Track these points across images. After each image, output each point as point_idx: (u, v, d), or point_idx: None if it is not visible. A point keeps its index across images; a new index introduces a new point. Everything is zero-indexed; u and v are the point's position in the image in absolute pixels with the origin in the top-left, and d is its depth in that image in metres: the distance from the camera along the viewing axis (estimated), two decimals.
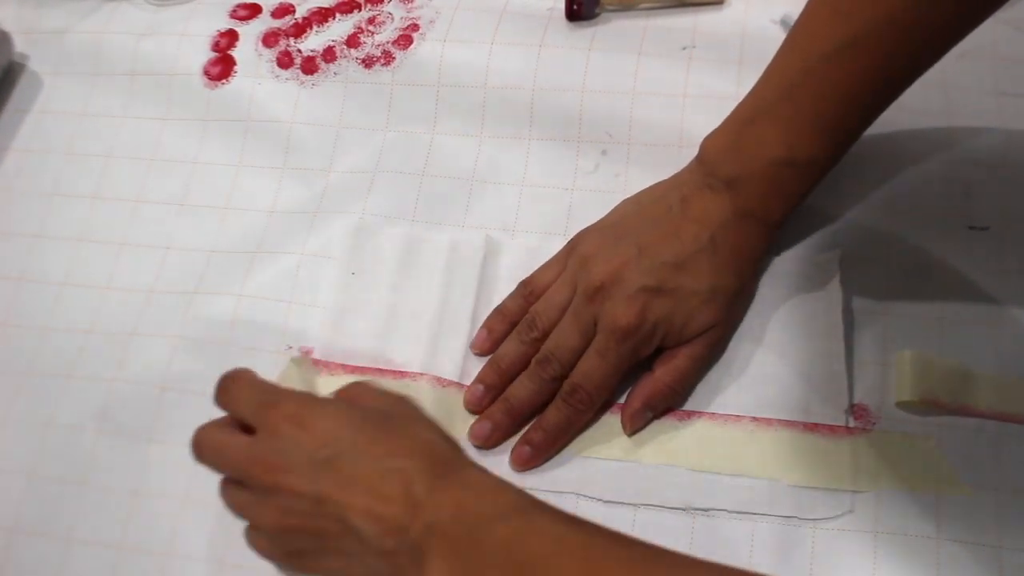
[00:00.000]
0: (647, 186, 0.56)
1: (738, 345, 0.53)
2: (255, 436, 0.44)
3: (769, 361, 0.52)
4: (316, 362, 0.56)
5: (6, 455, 0.56)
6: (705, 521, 0.49)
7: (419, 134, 0.63)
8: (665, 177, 0.55)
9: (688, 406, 0.52)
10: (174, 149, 0.65)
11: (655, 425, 0.52)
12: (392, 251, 0.59)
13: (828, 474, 0.49)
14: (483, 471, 0.43)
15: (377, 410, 0.45)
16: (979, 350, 0.51)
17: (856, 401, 0.51)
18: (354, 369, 0.55)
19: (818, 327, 0.53)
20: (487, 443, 0.52)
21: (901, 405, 0.50)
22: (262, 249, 0.60)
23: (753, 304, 0.54)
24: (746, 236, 0.52)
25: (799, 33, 0.51)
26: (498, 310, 0.56)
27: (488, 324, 0.55)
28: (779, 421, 0.51)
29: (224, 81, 0.66)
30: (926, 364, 0.50)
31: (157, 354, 0.57)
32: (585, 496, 0.50)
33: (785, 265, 0.55)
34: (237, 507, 0.45)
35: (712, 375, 0.53)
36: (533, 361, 0.52)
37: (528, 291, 0.55)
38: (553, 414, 0.51)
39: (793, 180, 0.51)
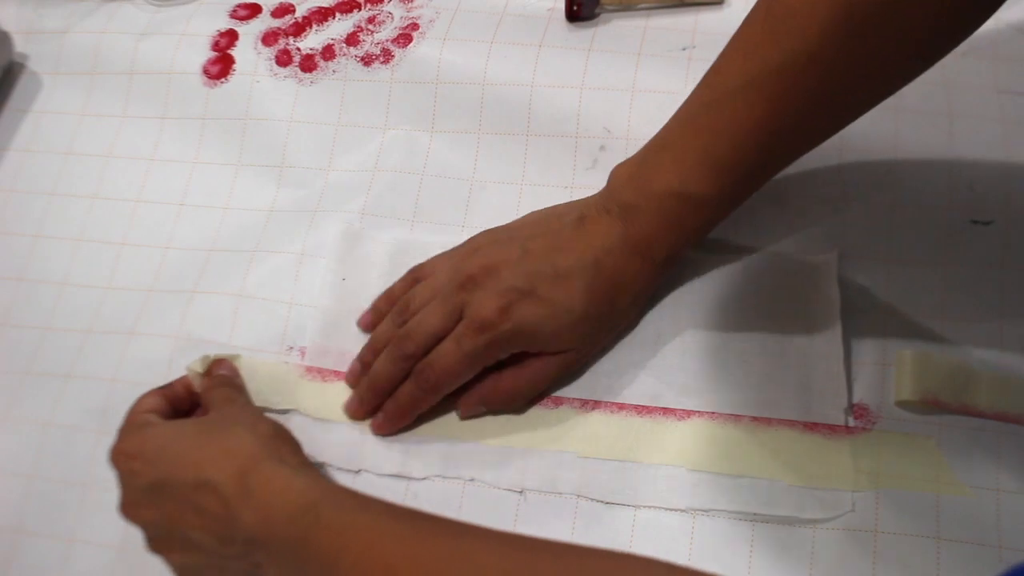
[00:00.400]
0: None
1: (737, 345, 0.53)
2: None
3: (768, 361, 0.52)
4: (309, 369, 0.56)
5: (7, 455, 0.56)
6: (705, 521, 0.49)
7: (418, 132, 0.63)
8: None
9: (688, 406, 0.52)
10: (173, 148, 0.65)
11: (655, 425, 0.52)
12: (383, 255, 0.59)
13: (828, 474, 0.49)
14: (280, 467, 0.45)
15: (202, 420, 0.50)
16: (981, 347, 0.51)
17: (856, 401, 0.51)
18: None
19: (817, 327, 0.53)
20: (355, 416, 0.54)
21: (901, 404, 0.50)
22: (261, 248, 0.60)
23: (752, 304, 0.54)
24: (629, 267, 0.51)
25: (712, 68, 0.51)
26: (386, 291, 0.57)
27: (375, 304, 0.57)
28: (779, 421, 0.51)
29: (223, 80, 0.66)
30: (926, 364, 0.50)
31: (157, 354, 0.57)
32: (585, 496, 0.50)
33: (784, 265, 0.55)
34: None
35: (712, 375, 0.53)
36: (393, 338, 0.53)
37: (414, 276, 0.56)
38: (402, 390, 0.52)
39: (683, 214, 0.51)
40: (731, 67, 0.50)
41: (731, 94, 0.49)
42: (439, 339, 0.52)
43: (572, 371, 0.53)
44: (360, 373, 0.55)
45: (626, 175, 0.53)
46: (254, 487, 0.44)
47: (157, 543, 0.48)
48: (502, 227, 0.55)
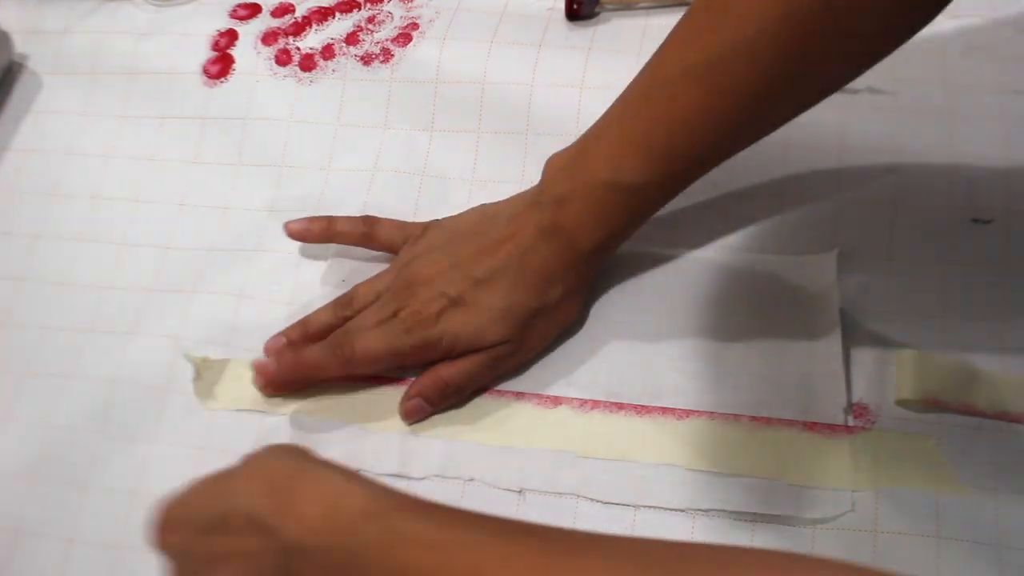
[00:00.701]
0: None
1: (736, 345, 0.53)
2: None
3: (768, 361, 0.52)
4: None
5: (7, 455, 0.56)
6: (705, 521, 0.49)
7: (418, 132, 0.63)
8: None
9: (688, 405, 0.52)
10: (173, 148, 0.65)
11: (655, 425, 0.52)
12: (383, 256, 0.58)
13: (828, 474, 0.49)
14: (319, 476, 0.42)
15: (214, 472, 0.46)
16: (981, 347, 0.51)
17: (856, 400, 0.51)
18: (351, 379, 0.55)
19: (816, 326, 0.53)
20: (265, 388, 0.54)
21: (901, 403, 0.50)
22: (261, 248, 0.60)
23: (751, 303, 0.54)
24: (559, 259, 0.51)
25: (654, 55, 0.50)
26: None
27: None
28: (778, 420, 0.51)
29: (222, 79, 0.66)
30: (927, 364, 0.50)
31: (157, 354, 0.57)
32: (585, 497, 0.50)
33: (783, 264, 0.55)
34: None
35: (711, 375, 0.53)
36: (332, 334, 0.54)
37: (369, 230, 0.57)
38: (311, 349, 0.53)
39: (615, 204, 0.51)
40: (670, 56, 0.49)
41: (668, 82, 0.49)
42: None
43: (512, 363, 0.53)
44: (282, 349, 0.55)
45: (560, 164, 0.53)
46: (295, 496, 0.41)
47: None
48: (448, 225, 0.56)
